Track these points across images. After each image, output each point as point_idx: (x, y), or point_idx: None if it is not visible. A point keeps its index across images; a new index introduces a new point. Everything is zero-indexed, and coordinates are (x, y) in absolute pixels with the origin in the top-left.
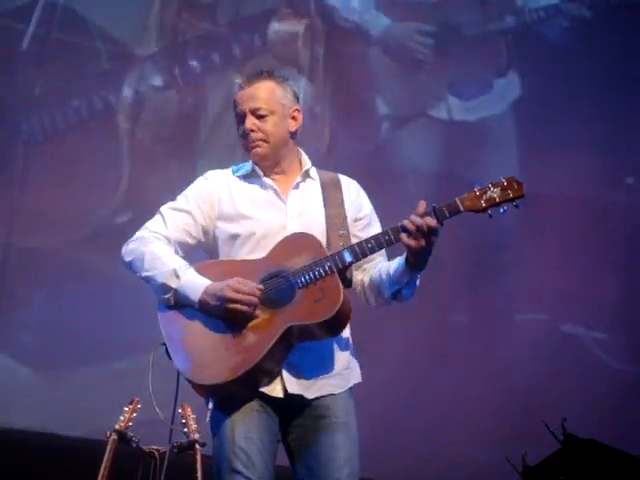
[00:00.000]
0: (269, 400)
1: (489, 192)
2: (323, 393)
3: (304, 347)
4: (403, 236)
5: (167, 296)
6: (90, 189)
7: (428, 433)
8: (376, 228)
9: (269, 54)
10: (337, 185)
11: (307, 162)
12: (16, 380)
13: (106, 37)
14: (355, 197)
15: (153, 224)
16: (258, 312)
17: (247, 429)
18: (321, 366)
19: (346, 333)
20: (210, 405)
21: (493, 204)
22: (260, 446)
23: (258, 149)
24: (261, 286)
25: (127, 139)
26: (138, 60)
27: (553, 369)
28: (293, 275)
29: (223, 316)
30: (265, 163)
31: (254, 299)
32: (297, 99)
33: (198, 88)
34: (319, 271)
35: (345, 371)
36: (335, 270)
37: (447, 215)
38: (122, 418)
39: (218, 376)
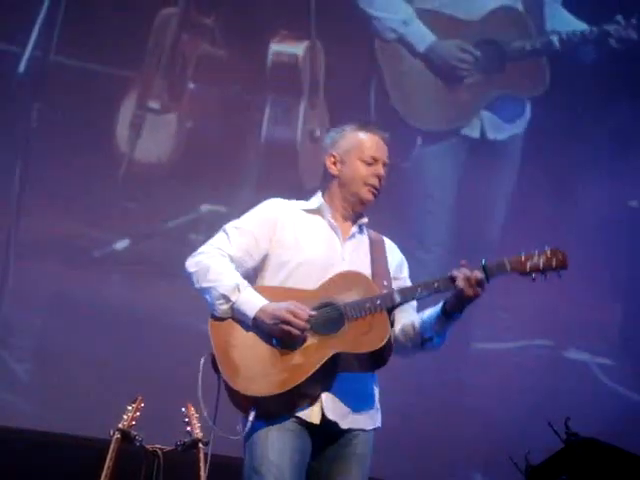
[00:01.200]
0: (305, 425)
1: (535, 258)
2: (355, 426)
3: (344, 379)
4: (459, 282)
5: (224, 307)
6: (88, 214)
7: (430, 430)
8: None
9: (269, 76)
10: (382, 244)
11: (365, 217)
12: (16, 378)
13: (104, 59)
14: (397, 259)
15: (218, 241)
16: (308, 336)
17: (281, 446)
18: (357, 400)
19: (375, 377)
20: (251, 417)
21: (537, 270)
22: (292, 463)
23: (374, 196)
24: (314, 312)
25: (125, 163)
26: (137, 82)
27: (557, 395)
28: (344, 307)
29: (275, 335)
30: (361, 208)
31: (305, 324)
32: None
33: (197, 111)
34: (369, 306)
35: (372, 411)
36: (384, 307)
37: (494, 273)
38: (125, 417)
39: (262, 390)
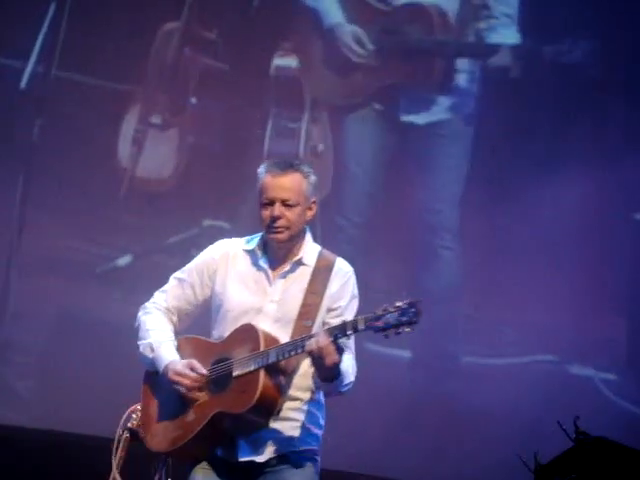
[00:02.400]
0: (226, 463)
1: (388, 315)
2: (273, 455)
3: (254, 436)
4: (307, 353)
5: (147, 362)
6: (89, 230)
7: (439, 429)
8: (348, 317)
9: (271, 90)
10: (328, 273)
11: (303, 249)
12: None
13: (106, 74)
14: (337, 288)
15: (158, 294)
16: (204, 393)
17: None
18: (272, 433)
19: (312, 416)
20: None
21: (389, 328)
22: None
23: (280, 235)
24: (205, 372)
25: (127, 179)
26: (139, 97)
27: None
28: (233, 364)
29: (175, 392)
30: (281, 248)
31: (192, 383)
32: (316, 190)
33: (199, 125)
34: (249, 365)
35: (296, 435)
36: (260, 367)
37: (338, 335)
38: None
39: (160, 446)
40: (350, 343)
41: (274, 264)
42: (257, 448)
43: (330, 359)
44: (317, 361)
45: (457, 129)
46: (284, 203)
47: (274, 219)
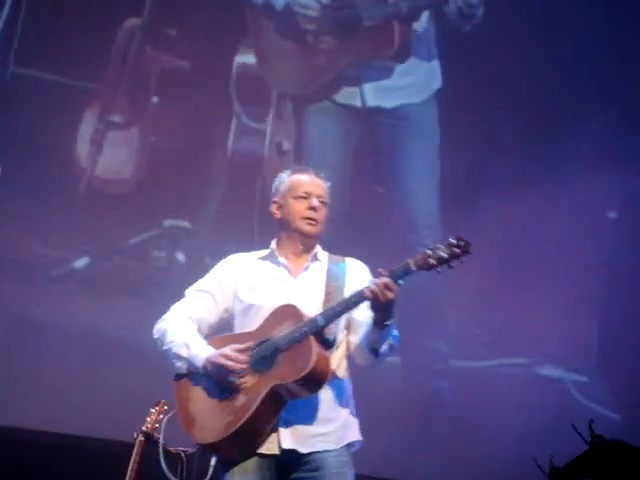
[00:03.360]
0: (265, 458)
1: (439, 252)
2: (317, 449)
3: (299, 404)
4: (367, 293)
5: (180, 364)
6: (45, 232)
7: (452, 434)
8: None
9: (235, 87)
10: (341, 267)
11: (317, 247)
12: (41, 379)
13: (65, 71)
14: (356, 275)
15: (178, 306)
16: (248, 377)
17: None
18: (317, 424)
19: (346, 392)
20: (212, 462)
21: (442, 262)
22: None
23: (314, 228)
24: (244, 346)
25: (86, 179)
26: (98, 95)
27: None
28: (277, 341)
29: (220, 381)
30: (303, 243)
31: (239, 364)
32: None
33: (161, 124)
34: (297, 336)
35: (341, 429)
36: (310, 333)
37: (400, 275)
38: (149, 419)
39: (212, 436)
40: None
41: (293, 260)
42: (301, 440)
43: (389, 294)
44: (374, 303)
45: (423, 111)
46: (319, 200)
47: (313, 209)
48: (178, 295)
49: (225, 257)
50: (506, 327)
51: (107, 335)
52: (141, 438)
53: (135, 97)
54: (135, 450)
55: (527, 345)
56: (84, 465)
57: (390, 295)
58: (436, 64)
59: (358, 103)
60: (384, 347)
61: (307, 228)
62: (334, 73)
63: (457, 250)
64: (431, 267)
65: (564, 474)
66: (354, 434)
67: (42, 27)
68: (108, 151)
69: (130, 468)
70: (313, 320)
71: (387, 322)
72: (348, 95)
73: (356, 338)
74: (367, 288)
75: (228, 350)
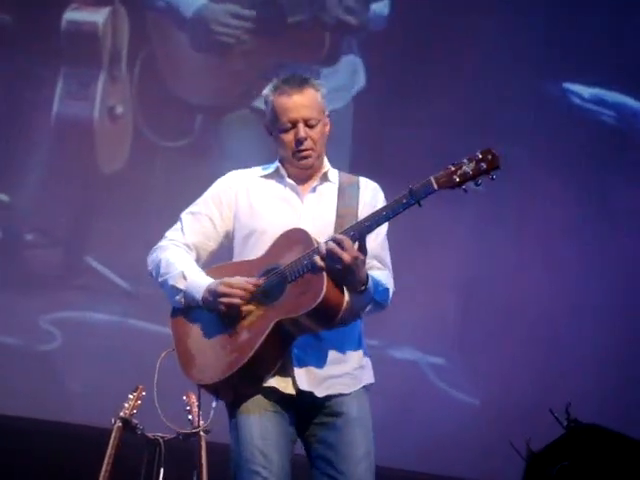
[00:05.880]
0: (282, 397)
1: (464, 167)
2: (333, 392)
3: (310, 343)
4: (317, 262)
5: (177, 297)
6: None
7: (430, 419)
8: (384, 226)
9: (63, 46)
10: (355, 187)
11: (326, 165)
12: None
13: None
14: (369, 199)
15: (172, 232)
16: (253, 308)
17: (263, 429)
18: (331, 364)
19: (357, 331)
20: (213, 404)
21: (467, 179)
22: (277, 446)
23: (309, 159)
24: (254, 280)
25: None
26: None
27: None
28: (284, 270)
29: (221, 312)
30: (309, 171)
31: (242, 292)
32: (326, 102)
33: None
34: (306, 264)
35: (356, 371)
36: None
37: (423, 195)
38: (127, 405)
39: (215, 375)
40: (386, 259)
41: (300, 182)
42: (317, 382)
43: (345, 257)
44: (331, 269)
45: (342, 119)
46: (306, 123)
47: (300, 141)
48: None
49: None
50: None
51: None
52: (119, 424)
53: None
54: (113, 436)
55: (381, 328)
56: (61, 451)
57: (346, 257)
58: (359, 62)
59: None
60: (365, 310)
61: (302, 162)
62: (254, 77)
63: (483, 165)
64: (455, 185)
65: (541, 458)
66: (369, 376)
67: None
68: None
69: (107, 454)
70: (319, 247)
71: (359, 288)
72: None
73: None
74: (318, 253)
75: (231, 278)
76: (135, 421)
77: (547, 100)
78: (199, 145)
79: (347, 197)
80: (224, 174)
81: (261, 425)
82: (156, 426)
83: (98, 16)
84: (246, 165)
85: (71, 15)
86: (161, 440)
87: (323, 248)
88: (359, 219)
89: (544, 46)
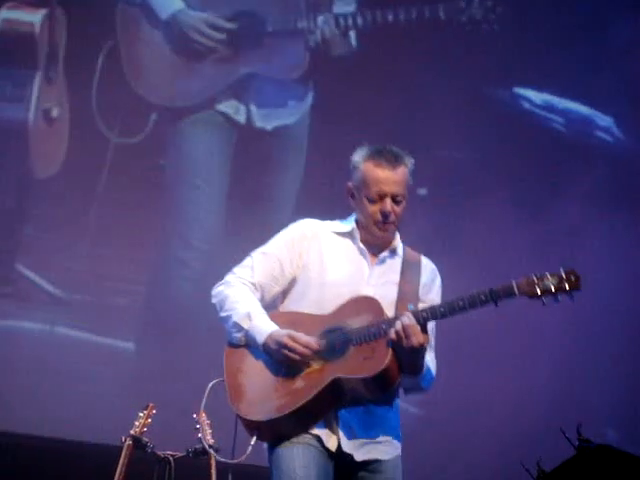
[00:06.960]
0: (325, 448)
1: (546, 281)
2: (371, 457)
3: (358, 409)
4: (391, 335)
5: (238, 335)
6: None
7: (442, 439)
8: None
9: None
10: (417, 265)
11: (397, 239)
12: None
13: None
14: (429, 281)
15: (241, 269)
16: (312, 362)
17: (306, 460)
18: (373, 430)
19: (398, 401)
20: (252, 441)
21: (549, 293)
22: (317, 477)
23: (387, 232)
24: (316, 339)
25: None
26: None
27: None
28: (350, 332)
29: (280, 360)
30: (382, 240)
31: (307, 351)
32: None
33: None
34: (374, 332)
35: (395, 440)
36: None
37: (502, 297)
38: (137, 423)
39: (262, 414)
40: (432, 340)
41: (370, 249)
42: (358, 446)
43: (413, 341)
44: (398, 346)
45: (298, 129)
46: (394, 199)
47: (386, 215)
48: None
49: None
50: None
51: None
52: (129, 442)
53: None
54: (123, 454)
55: None
56: (72, 469)
57: (414, 342)
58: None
59: (242, 119)
60: (413, 391)
61: (377, 233)
62: (224, 85)
63: (566, 285)
64: (535, 295)
65: (552, 478)
66: (399, 448)
67: None
68: None
69: (118, 472)
70: (394, 321)
71: (416, 371)
72: (234, 108)
73: None
74: (391, 332)
75: (297, 333)
76: (145, 439)
77: (497, 104)
78: (151, 144)
79: (410, 274)
80: (181, 176)
81: (303, 456)
82: (166, 444)
83: (35, 16)
84: (203, 164)
85: (7, 14)
86: (171, 458)
87: (399, 325)
88: (420, 298)
89: (495, 51)
